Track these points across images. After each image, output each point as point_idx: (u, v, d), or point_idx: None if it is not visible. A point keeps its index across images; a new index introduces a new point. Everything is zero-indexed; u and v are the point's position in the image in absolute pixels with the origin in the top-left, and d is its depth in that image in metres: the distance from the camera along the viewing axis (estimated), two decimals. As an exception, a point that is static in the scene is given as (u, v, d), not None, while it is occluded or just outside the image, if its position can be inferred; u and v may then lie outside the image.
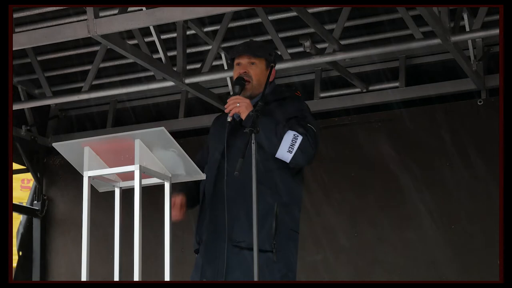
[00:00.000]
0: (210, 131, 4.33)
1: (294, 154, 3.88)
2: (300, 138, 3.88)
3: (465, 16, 6.12)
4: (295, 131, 3.90)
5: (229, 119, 3.98)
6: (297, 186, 4.09)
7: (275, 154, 3.91)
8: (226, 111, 4.01)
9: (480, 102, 6.50)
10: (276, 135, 3.89)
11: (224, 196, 3.95)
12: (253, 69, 4.13)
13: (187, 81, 6.42)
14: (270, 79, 4.12)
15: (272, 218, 3.92)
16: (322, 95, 6.98)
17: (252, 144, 3.71)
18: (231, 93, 4.14)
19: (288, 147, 3.87)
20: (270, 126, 3.91)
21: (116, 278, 3.63)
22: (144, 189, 3.61)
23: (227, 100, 4.02)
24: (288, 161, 3.91)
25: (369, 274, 6.52)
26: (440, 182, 6.49)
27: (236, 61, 4.18)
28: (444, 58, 6.64)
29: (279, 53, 6.15)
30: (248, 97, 4.05)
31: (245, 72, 4.11)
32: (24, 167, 7.92)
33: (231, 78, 7.11)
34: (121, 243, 3.68)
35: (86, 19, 5.22)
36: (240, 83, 4.08)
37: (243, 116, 3.96)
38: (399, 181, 6.57)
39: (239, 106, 3.95)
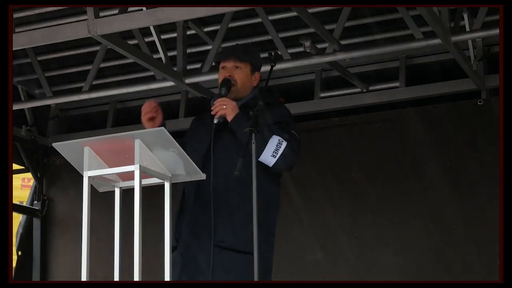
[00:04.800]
0: (189, 132, 4.38)
1: (278, 159, 3.95)
2: (284, 143, 3.96)
3: (465, 16, 6.11)
4: (280, 136, 3.97)
5: (215, 121, 4.07)
6: (275, 191, 4.17)
7: (258, 157, 3.92)
8: (212, 112, 4.08)
9: (480, 102, 6.49)
10: (262, 139, 3.94)
11: (209, 196, 3.99)
12: (238, 73, 4.21)
13: (187, 81, 6.41)
14: (254, 84, 4.23)
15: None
16: (322, 95, 6.98)
17: (252, 144, 3.77)
18: (217, 94, 4.18)
19: (272, 151, 3.93)
20: None
21: (116, 278, 3.63)
22: (144, 189, 3.61)
23: (214, 102, 4.09)
24: (270, 165, 3.98)
25: (369, 274, 6.52)
26: (440, 182, 6.48)
27: (222, 64, 4.25)
28: (444, 58, 6.62)
29: (279, 53, 6.14)
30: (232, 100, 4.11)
31: (230, 75, 4.19)
32: (24, 167, 7.91)
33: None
34: (121, 243, 3.68)
35: (86, 19, 5.22)
36: (227, 85, 4.16)
37: (229, 118, 4.03)
38: (399, 181, 6.57)
39: (225, 108, 4.04)
